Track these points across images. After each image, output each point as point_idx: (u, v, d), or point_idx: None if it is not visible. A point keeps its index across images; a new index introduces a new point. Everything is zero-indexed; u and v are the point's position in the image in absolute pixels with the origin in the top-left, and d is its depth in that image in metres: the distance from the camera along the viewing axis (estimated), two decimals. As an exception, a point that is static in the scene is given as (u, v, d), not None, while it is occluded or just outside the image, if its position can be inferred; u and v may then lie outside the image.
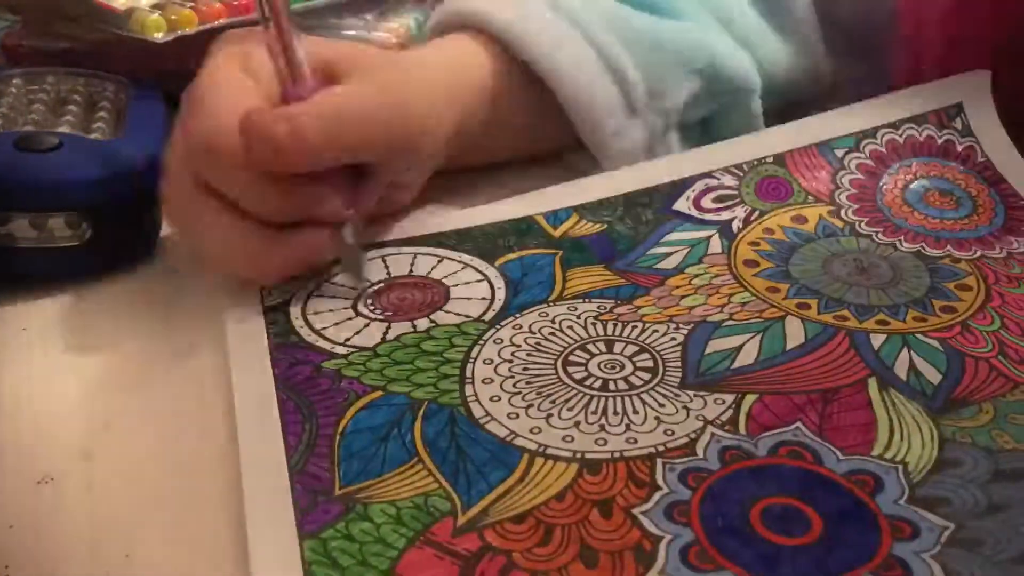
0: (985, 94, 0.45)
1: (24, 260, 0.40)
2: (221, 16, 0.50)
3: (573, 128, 0.47)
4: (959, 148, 0.44)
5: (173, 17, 0.49)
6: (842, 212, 0.42)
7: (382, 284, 0.39)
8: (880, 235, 0.41)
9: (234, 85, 0.37)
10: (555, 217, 0.43)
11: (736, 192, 0.43)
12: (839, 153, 0.44)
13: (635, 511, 0.28)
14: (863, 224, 0.41)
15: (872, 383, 0.32)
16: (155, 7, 0.49)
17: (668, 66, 0.48)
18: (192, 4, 0.50)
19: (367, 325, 0.36)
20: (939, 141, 0.44)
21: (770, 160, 0.44)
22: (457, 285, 0.38)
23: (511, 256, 0.40)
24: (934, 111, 0.45)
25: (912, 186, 0.43)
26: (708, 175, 0.44)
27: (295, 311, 0.37)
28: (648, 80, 0.47)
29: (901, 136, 0.45)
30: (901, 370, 0.33)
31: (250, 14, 0.51)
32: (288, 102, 0.37)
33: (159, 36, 0.48)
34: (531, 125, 0.48)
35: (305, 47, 0.37)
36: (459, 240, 0.41)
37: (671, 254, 0.40)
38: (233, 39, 0.40)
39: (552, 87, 0.46)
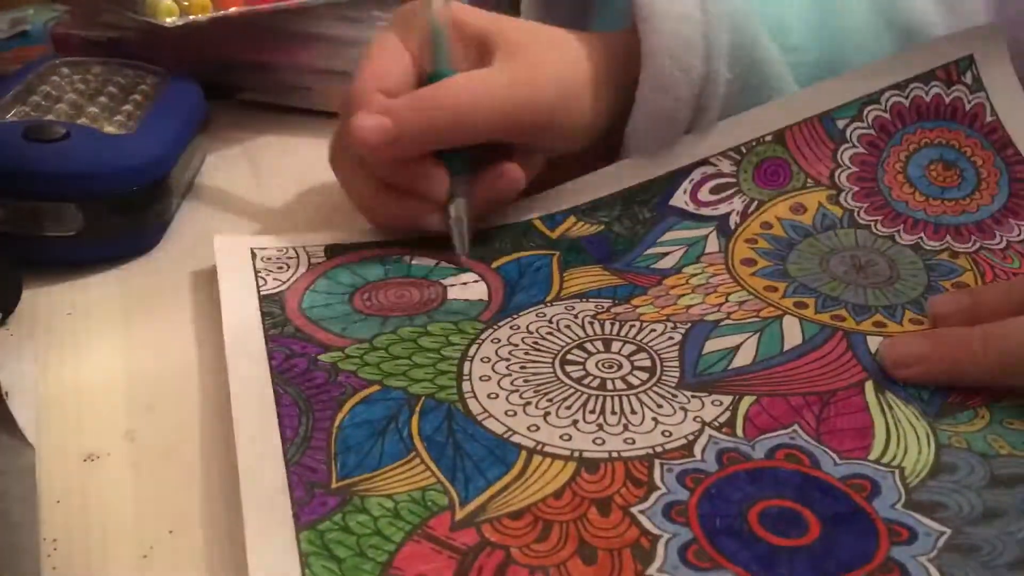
0: (1000, 45, 0.43)
1: (24, 247, 0.40)
2: (236, 4, 0.50)
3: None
4: (967, 107, 0.43)
5: (186, 3, 0.48)
6: (841, 197, 0.42)
7: (379, 281, 0.39)
8: (879, 225, 0.41)
9: (386, 55, 0.41)
10: (552, 220, 0.43)
11: (734, 179, 0.43)
12: (840, 124, 0.43)
13: (633, 510, 0.28)
14: (862, 212, 0.41)
15: (869, 386, 0.32)
16: None
17: None
18: None
19: (365, 319, 0.36)
20: (947, 100, 0.43)
21: (769, 139, 0.43)
22: (455, 286, 0.38)
23: (508, 258, 0.40)
24: (943, 66, 0.43)
25: (915, 157, 0.42)
26: (705, 162, 0.43)
27: (291, 302, 0.37)
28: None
29: (907, 98, 0.43)
30: (898, 374, 0.33)
31: (266, 4, 0.51)
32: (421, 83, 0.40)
33: (170, 21, 0.48)
34: None
35: (463, 17, 0.41)
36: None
37: (668, 253, 0.40)
38: (406, 12, 0.42)
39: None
